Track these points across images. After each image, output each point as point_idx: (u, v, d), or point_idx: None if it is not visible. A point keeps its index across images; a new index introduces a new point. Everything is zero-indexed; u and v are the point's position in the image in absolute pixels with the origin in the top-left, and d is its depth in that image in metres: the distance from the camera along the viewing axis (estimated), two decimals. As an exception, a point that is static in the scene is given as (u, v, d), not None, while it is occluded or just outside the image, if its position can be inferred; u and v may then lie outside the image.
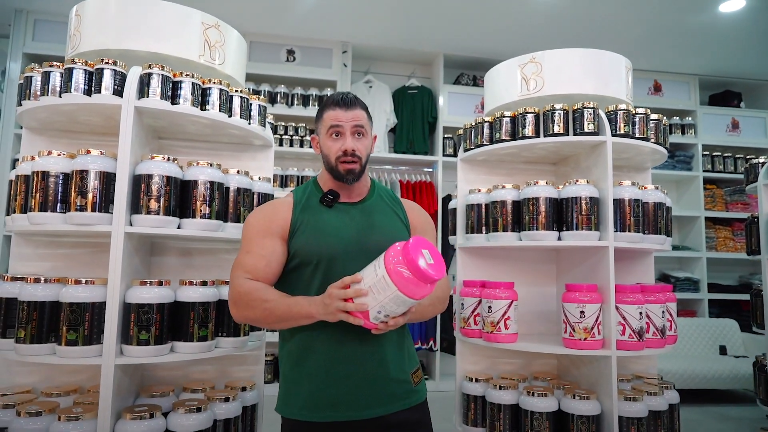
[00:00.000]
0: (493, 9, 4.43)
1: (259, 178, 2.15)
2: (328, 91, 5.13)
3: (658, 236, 2.19)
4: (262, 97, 4.84)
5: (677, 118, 5.66)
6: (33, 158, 1.80)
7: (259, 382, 2.16)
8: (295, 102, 5.06)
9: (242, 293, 1.35)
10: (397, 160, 5.28)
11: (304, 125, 4.99)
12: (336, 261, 1.40)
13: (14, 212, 1.82)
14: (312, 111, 5.02)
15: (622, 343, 2.05)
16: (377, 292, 1.19)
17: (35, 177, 1.74)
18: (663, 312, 2.14)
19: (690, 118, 5.67)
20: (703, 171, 5.54)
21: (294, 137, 4.94)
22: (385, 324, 1.24)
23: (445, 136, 5.19)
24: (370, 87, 5.36)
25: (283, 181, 4.87)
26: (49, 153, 1.77)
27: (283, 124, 4.97)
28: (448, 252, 4.80)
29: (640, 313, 2.05)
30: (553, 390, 2.17)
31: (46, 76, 1.82)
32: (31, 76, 1.86)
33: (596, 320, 2.04)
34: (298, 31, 4.98)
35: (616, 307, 2.06)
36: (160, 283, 1.77)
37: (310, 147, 4.92)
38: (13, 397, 1.82)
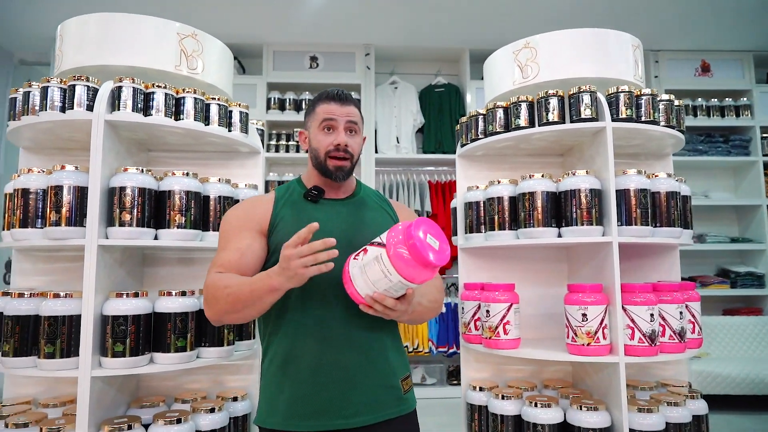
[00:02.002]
0: (517, -2, 4.24)
1: (246, 185, 2.13)
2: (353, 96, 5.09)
3: (673, 229, 1.98)
4: (275, 104, 4.92)
5: (730, 99, 5.20)
6: (21, 176, 1.85)
7: (252, 391, 2.13)
8: (321, 108, 5.06)
9: (207, 287, 1.27)
10: (425, 160, 5.17)
11: (330, 131, 4.97)
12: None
13: (2, 229, 1.88)
14: (337, 116, 5.01)
15: (632, 348, 1.86)
16: (371, 271, 1.12)
17: (16, 194, 1.79)
18: (681, 313, 1.92)
19: (745, 99, 5.20)
20: (763, 155, 5.06)
21: (320, 143, 4.94)
22: (375, 303, 1.15)
23: (474, 133, 5.01)
24: (396, 88, 5.28)
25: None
26: (29, 171, 1.82)
27: (310, 130, 4.98)
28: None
29: (651, 315, 1.86)
30: (559, 400, 2.00)
31: (26, 96, 1.87)
32: (15, 97, 1.93)
33: (601, 323, 1.86)
34: (319, 37, 4.99)
35: (623, 309, 1.87)
36: (136, 295, 1.77)
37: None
38: (11, 407, 1.88)
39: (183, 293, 1.86)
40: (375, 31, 4.89)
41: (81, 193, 1.75)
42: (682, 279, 2.43)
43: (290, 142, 4.94)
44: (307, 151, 1.46)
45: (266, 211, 1.38)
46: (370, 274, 1.12)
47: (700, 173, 5.23)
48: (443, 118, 5.23)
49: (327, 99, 1.42)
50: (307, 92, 5.11)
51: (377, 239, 1.15)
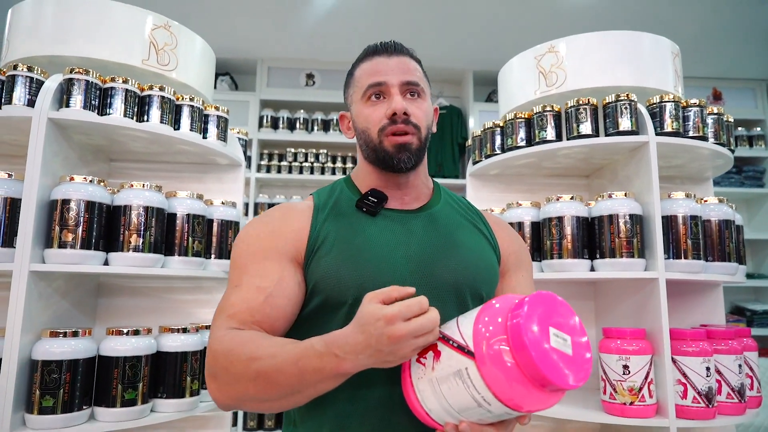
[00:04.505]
0: (522, 18, 4.03)
1: (223, 203, 1.81)
2: (349, 115, 4.81)
3: (727, 264, 1.67)
4: (283, 121, 4.65)
5: (743, 129, 4.98)
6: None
7: (221, 450, 1.78)
8: (315, 128, 4.79)
9: (217, 354, 0.79)
10: (424, 185, 4.87)
11: (325, 151, 4.69)
12: None
13: None
14: (333, 136, 4.73)
15: (684, 409, 1.52)
16: (451, 391, 0.69)
17: (-65, 207, 1.46)
18: (740, 365, 1.60)
19: (759, 129, 4.98)
20: (778, 187, 4.82)
21: (315, 164, 4.66)
22: (455, 428, 0.72)
23: (477, 157, 4.75)
24: (395, 109, 5.02)
25: (302, 211, 4.56)
26: (-46, 178, 1.50)
27: (303, 151, 4.69)
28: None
29: (707, 369, 1.53)
30: (593, 470, 1.65)
31: (-43, 90, 1.56)
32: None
33: (646, 378, 1.53)
34: (317, 53, 4.75)
35: (673, 360, 1.55)
36: (75, 334, 1.43)
37: (333, 174, 4.62)
38: None
39: (136, 332, 1.51)
40: (375, 49, 4.66)
41: (14, 206, 1.42)
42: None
43: (282, 163, 4.64)
44: (355, 140, 1.03)
45: (302, 227, 0.92)
46: (450, 397, 0.69)
47: (713, 205, 4.97)
48: (444, 141, 4.97)
49: (369, 54, 1.01)
50: (302, 110, 4.83)
51: (455, 334, 0.70)
